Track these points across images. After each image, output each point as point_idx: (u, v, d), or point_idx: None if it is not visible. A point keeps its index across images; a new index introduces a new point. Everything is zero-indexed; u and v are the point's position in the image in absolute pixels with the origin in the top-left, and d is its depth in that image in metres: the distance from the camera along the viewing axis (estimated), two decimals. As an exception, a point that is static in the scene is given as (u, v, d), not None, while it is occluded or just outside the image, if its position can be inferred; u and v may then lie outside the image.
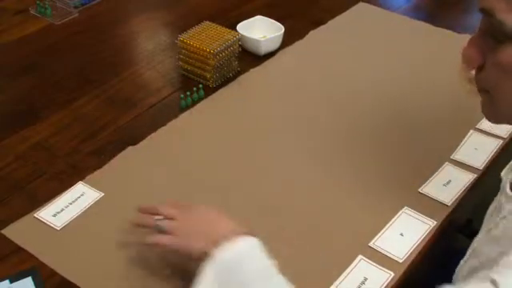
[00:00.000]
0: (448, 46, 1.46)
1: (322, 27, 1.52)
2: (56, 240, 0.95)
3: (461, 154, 1.12)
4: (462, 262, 0.85)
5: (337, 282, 0.89)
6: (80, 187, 1.04)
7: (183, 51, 1.30)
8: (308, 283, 0.88)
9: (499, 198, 0.81)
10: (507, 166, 0.85)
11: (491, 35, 0.68)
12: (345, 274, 0.90)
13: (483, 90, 0.74)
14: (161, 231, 0.86)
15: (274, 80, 1.34)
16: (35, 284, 0.87)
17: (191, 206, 0.89)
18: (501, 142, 1.15)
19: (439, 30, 1.52)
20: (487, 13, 0.66)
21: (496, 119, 0.77)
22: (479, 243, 0.82)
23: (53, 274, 0.89)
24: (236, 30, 1.36)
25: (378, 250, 0.94)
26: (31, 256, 0.92)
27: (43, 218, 0.98)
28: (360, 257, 0.92)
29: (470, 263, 0.82)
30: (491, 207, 0.84)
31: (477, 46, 0.71)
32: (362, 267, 0.91)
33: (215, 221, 0.84)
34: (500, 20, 0.65)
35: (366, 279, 0.89)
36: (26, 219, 0.98)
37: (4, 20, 1.52)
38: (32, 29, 1.49)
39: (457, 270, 0.86)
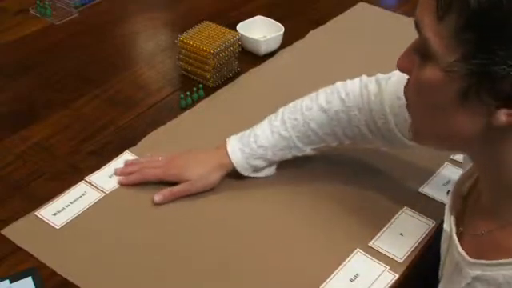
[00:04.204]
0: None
1: (322, 27, 1.52)
2: (56, 240, 0.95)
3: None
4: None
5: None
6: (82, 186, 1.04)
7: (183, 51, 1.30)
8: (310, 282, 0.88)
9: (453, 254, 0.74)
10: (446, 211, 0.77)
11: (419, 49, 0.63)
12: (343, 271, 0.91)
13: (407, 106, 0.69)
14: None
15: (273, 80, 1.34)
16: (35, 284, 0.87)
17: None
18: (501, 142, 1.15)
19: (439, 30, 1.52)
20: (416, 25, 0.61)
21: (415, 139, 0.71)
22: None
23: (53, 274, 0.89)
24: (236, 30, 1.36)
25: (378, 249, 0.94)
26: (31, 256, 0.92)
27: (43, 217, 0.98)
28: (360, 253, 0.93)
29: None
30: (446, 258, 0.78)
31: (408, 57, 0.65)
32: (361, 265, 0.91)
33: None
34: (426, 36, 0.59)
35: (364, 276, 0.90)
36: (25, 219, 0.98)
37: (4, 20, 1.52)
38: (32, 29, 1.49)
39: None
